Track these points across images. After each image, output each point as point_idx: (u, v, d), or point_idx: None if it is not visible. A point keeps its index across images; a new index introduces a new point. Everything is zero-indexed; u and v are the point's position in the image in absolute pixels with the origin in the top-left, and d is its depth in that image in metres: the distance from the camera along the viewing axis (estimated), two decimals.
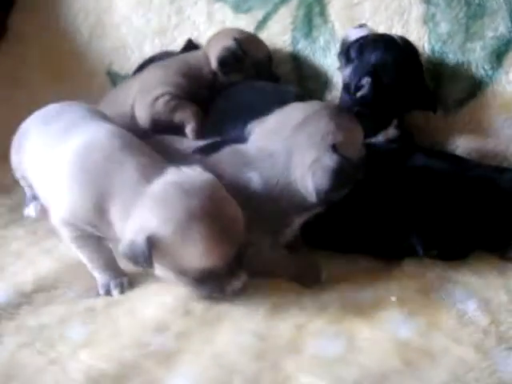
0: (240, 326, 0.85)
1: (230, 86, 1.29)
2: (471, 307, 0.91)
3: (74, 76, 1.61)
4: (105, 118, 1.08)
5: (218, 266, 0.84)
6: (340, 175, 0.94)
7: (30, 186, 1.18)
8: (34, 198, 1.20)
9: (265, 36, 1.40)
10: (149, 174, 0.88)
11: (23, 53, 1.64)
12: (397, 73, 1.12)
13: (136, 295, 0.96)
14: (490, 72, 1.20)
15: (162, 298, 0.93)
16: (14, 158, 1.17)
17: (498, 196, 1.10)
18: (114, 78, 1.58)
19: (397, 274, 1.01)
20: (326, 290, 0.95)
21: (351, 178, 0.97)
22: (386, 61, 1.12)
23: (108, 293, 0.97)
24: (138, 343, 0.82)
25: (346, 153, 0.95)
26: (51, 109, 1.14)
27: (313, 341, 0.82)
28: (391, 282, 0.98)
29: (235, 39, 1.29)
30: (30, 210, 1.23)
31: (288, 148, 0.97)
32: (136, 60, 1.54)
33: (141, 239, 0.82)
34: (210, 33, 1.44)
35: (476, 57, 1.20)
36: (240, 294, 0.90)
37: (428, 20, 1.23)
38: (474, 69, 1.21)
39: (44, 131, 1.08)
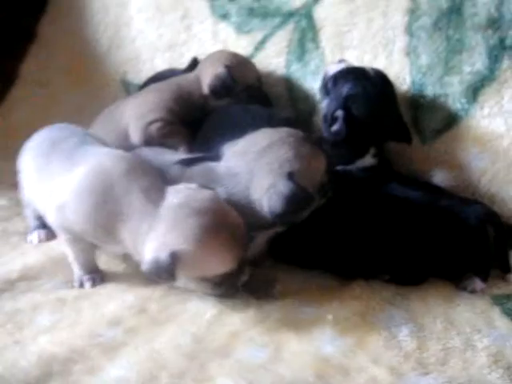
0: (184, 328, 0.95)
1: (226, 107, 1.37)
2: (403, 332, 0.97)
3: (92, 81, 1.75)
4: (100, 140, 1.17)
5: (233, 268, 0.96)
6: (293, 202, 1.01)
7: (36, 217, 1.26)
8: (39, 227, 1.27)
9: (262, 56, 1.49)
10: (153, 197, 0.98)
11: (49, 57, 1.80)
12: (368, 104, 1.18)
13: (104, 291, 1.08)
14: (465, 106, 1.24)
15: (124, 296, 1.05)
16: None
17: (458, 228, 1.15)
18: (127, 87, 1.72)
19: (344, 294, 1.08)
20: (273, 303, 1.03)
21: (306, 204, 1.04)
22: (357, 93, 1.18)
23: (81, 285, 1.09)
24: (91, 333, 0.93)
25: (302, 181, 1.03)
26: (49, 133, 1.21)
27: (242, 348, 0.90)
28: (335, 301, 1.05)
29: (226, 67, 1.36)
30: (33, 238, 1.26)
31: (250, 170, 1.06)
32: (147, 71, 1.67)
33: (164, 256, 0.92)
34: (214, 49, 1.54)
35: (453, 90, 1.24)
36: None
37: (410, 52, 1.28)
38: (450, 102, 1.25)
39: (46, 155, 1.13)
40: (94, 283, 1.09)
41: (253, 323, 0.97)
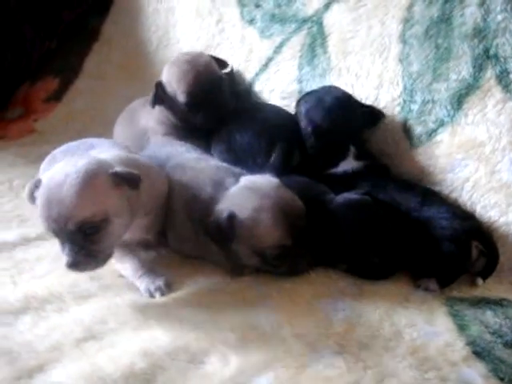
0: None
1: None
2: (338, 317, 1.04)
3: (141, 77, 1.97)
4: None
5: (282, 245, 1.11)
6: None
7: None
8: None
9: (279, 59, 1.60)
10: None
11: (108, 54, 2.06)
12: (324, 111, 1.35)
13: None
14: (451, 112, 1.26)
15: None
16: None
17: (434, 237, 1.19)
18: None
19: (298, 279, 1.15)
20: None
21: None
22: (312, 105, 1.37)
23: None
24: (72, 284, 1.12)
25: None
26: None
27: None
28: (288, 283, 1.14)
29: (156, 84, 1.54)
30: None
31: None
32: None
33: (224, 216, 1.09)
34: (241, 52, 1.69)
35: (440, 97, 1.27)
36: None
37: (403, 59, 1.33)
38: (438, 108, 1.28)
39: None
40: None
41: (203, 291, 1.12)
